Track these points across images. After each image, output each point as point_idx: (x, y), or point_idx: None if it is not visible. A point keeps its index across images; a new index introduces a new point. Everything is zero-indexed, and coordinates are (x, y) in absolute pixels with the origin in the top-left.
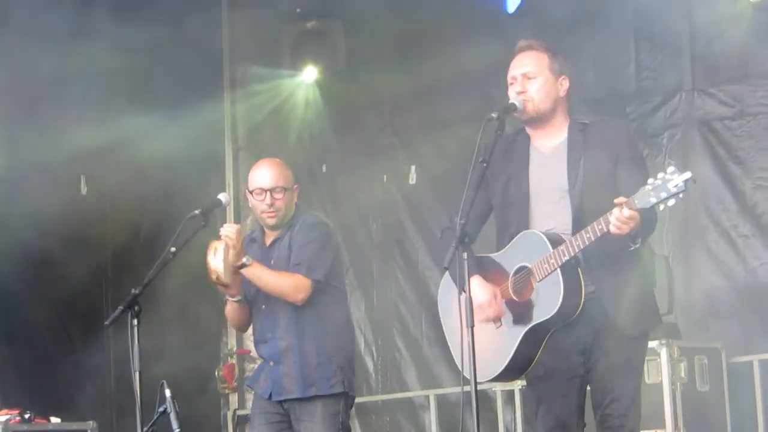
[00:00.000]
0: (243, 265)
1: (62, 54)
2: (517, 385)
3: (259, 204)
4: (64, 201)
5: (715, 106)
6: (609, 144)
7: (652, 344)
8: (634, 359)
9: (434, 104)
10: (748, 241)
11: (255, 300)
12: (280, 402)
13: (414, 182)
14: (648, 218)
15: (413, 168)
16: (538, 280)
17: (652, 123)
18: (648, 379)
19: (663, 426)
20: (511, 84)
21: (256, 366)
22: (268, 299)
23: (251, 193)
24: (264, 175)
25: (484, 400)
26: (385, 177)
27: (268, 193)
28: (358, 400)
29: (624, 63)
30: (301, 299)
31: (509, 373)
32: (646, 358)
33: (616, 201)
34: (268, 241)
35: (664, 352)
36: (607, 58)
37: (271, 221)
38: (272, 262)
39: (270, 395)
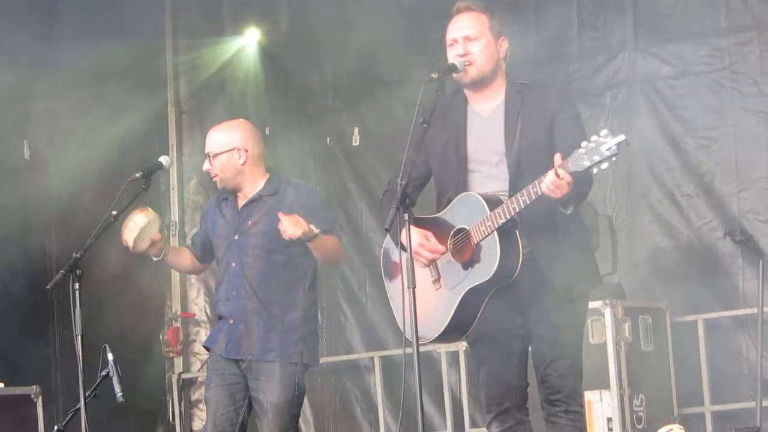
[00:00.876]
0: (314, 236)
1: None
2: (462, 346)
3: (207, 166)
4: (8, 165)
5: (658, 65)
6: (546, 104)
7: (595, 304)
8: (572, 320)
9: (376, 65)
10: (691, 200)
11: (225, 256)
12: (237, 362)
13: (357, 144)
14: (582, 182)
15: (356, 129)
16: (476, 242)
17: (595, 83)
18: (592, 339)
19: (607, 386)
20: (451, 46)
21: (200, 330)
22: (240, 258)
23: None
24: (207, 140)
25: (428, 361)
26: (328, 139)
27: (207, 157)
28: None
29: (567, 23)
30: (340, 265)
31: (449, 334)
32: (590, 318)
33: (554, 161)
34: (241, 202)
35: (608, 312)
36: (549, 17)
37: (219, 184)
38: (249, 223)
39: (226, 352)
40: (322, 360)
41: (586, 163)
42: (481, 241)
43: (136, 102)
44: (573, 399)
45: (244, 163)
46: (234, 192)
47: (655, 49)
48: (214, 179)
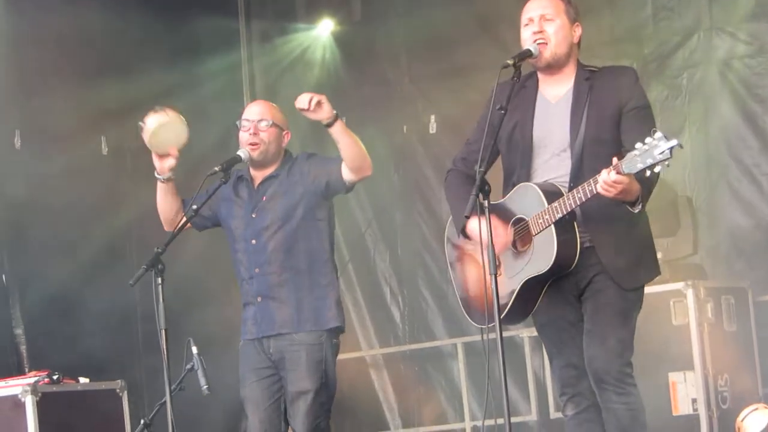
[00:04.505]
0: (333, 122)
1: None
2: None
3: (244, 135)
4: (87, 160)
5: (733, 44)
6: (614, 94)
7: (677, 285)
8: (624, 308)
9: (451, 52)
10: None
11: (244, 234)
12: (268, 354)
13: (434, 132)
14: (646, 180)
15: (432, 117)
16: (534, 234)
17: (671, 64)
18: (675, 320)
19: (692, 367)
20: (526, 25)
21: None
22: (260, 234)
23: (240, 128)
24: (252, 108)
25: (511, 346)
26: (404, 127)
27: (253, 123)
28: (386, 350)
29: (641, 3)
30: (366, 172)
31: (508, 321)
32: (672, 300)
33: (615, 162)
34: (257, 180)
35: (690, 293)
36: None
37: (254, 153)
38: (264, 198)
39: (260, 335)
40: (405, 347)
41: (640, 166)
42: (539, 233)
43: (212, 95)
44: (622, 381)
45: (284, 144)
46: (261, 167)
47: (730, 28)
48: (254, 147)
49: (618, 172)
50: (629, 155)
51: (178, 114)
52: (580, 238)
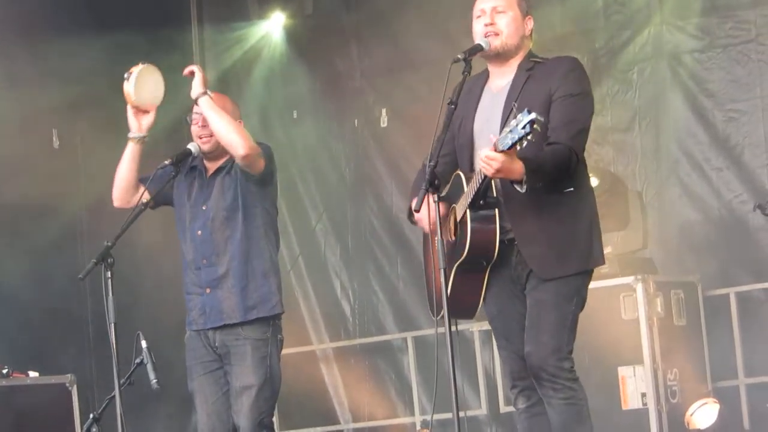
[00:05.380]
0: (204, 93)
1: None
2: None
3: (194, 128)
4: (38, 154)
5: (684, 39)
6: (547, 82)
7: (627, 280)
8: (555, 302)
9: (402, 46)
10: (721, 173)
11: (191, 224)
12: (213, 347)
13: (385, 125)
14: (535, 162)
15: (384, 111)
16: (457, 220)
17: (622, 58)
18: (624, 314)
19: (641, 361)
20: (478, 17)
21: None
22: (205, 225)
23: (191, 122)
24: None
25: (461, 341)
26: (356, 121)
27: (201, 116)
28: (336, 344)
29: None
30: (245, 153)
31: (457, 314)
32: (622, 294)
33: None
34: (210, 171)
35: (639, 288)
36: None
37: (205, 146)
38: (212, 190)
39: (206, 326)
40: (355, 341)
41: (509, 141)
42: (460, 218)
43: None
44: (558, 376)
45: None
46: (213, 159)
47: (680, 22)
48: (204, 141)
49: (493, 149)
50: (503, 132)
51: (158, 69)
52: (500, 229)
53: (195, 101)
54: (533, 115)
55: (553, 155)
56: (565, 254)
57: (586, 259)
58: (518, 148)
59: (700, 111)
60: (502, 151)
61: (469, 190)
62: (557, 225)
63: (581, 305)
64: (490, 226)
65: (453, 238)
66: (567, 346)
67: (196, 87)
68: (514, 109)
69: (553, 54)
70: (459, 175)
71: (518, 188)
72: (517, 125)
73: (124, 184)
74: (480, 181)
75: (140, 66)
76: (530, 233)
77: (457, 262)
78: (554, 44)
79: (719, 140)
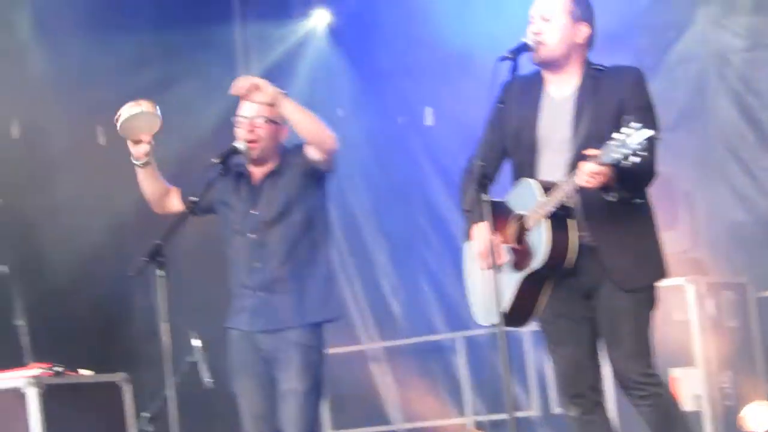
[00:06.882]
0: (279, 102)
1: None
2: None
3: (240, 132)
4: (84, 151)
5: (729, 38)
6: (617, 92)
7: (678, 281)
8: (634, 308)
9: (448, 43)
10: None
11: (242, 227)
12: (259, 349)
13: (430, 123)
14: (630, 172)
15: (429, 109)
16: (529, 228)
17: (667, 58)
18: (675, 316)
19: (693, 363)
20: (531, 22)
21: None
22: (259, 229)
23: (236, 125)
24: (247, 105)
25: (514, 341)
26: (399, 119)
27: (249, 120)
28: (386, 344)
29: None
30: (330, 146)
31: (512, 319)
32: (673, 295)
33: (587, 153)
34: (256, 176)
35: (690, 289)
36: None
37: (254, 152)
38: (263, 195)
39: (256, 329)
40: (404, 341)
41: (616, 156)
42: (533, 228)
43: (207, 91)
44: (644, 382)
45: (281, 139)
46: (259, 164)
47: (725, 21)
48: (252, 145)
49: (599, 163)
50: (607, 145)
51: (151, 104)
52: (580, 237)
53: (270, 107)
54: (651, 132)
55: (641, 168)
56: (644, 264)
57: (662, 268)
58: (628, 163)
59: (747, 111)
60: (604, 164)
61: (550, 199)
62: (636, 235)
63: (654, 312)
64: (568, 234)
65: (517, 245)
66: (649, 352)
67: (268, 95)
68: (587, 117)
69: (602, 54)
70: (528, 182)
71: (609, 197)
72: (626, 139)
73: (152, 198)
74: (568, 194)
75: (127, 106)
76: (613, 242)
77: (528, 271)
78: (598, 42)
79: (766, 139)
